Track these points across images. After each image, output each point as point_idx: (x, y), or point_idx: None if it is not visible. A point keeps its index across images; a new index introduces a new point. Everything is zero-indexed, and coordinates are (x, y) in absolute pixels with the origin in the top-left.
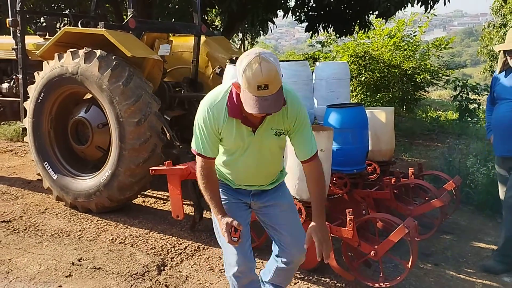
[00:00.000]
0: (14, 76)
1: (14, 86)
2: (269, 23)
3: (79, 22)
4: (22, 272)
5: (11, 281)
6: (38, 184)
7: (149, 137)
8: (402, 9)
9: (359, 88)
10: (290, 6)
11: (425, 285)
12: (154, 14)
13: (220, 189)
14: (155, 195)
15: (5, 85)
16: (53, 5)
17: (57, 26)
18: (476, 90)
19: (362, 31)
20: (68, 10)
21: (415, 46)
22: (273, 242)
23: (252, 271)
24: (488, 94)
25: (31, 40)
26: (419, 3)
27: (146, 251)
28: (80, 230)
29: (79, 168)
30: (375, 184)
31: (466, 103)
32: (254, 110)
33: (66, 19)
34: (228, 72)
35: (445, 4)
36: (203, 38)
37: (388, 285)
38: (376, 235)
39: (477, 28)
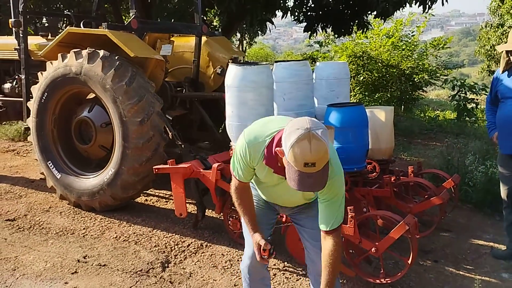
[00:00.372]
0: (16, 77)
1: (16, 86)
2: (267, 23)
3: (82, 22)
4: (29, 269)
5: (18, 278)
6: (41, 183)
7: (152, 136)
8: (400, 9)
9: (358, 88)
10: (289, 6)
11: (425, 282)
12: (154, 15)
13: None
14: (157, 194)
15: (7, 85)
16: (52, 6)
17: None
18: (474, 90)
19: (361, 31)
20: (67, 10)
21: (413, 46)
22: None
23: (264, 267)
24: (488, 94)
25: (33, 41)
26: (417, 3)
27: (150, 249)
28: (84, 228)
29: (82, 167)
30: (375, 182)
31: (464, 102)
32: (297, 187)
33: (65, 19)
34: (229, 72)
35: (443, 4)
36: (204, 38)
37: (388, 281)
38: (376, 232)
39: (474, 28)
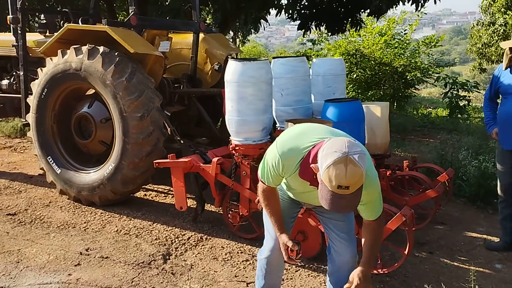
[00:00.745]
0: (14, 73)
1: (14, 82)
2: (261, 21)
3: (80, 19)
4: (32, 262)
5: (21, 270)
6: (40, 179)
7: (151, 131)
8: (393, 7)
9: (351, 85)
10: (283, 4)
11: (421, 272)
12: (148, 12)
13: None
14: (156, 188)
15: (5, 82)
16: (46, 4)
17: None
18: (466, 87)
19: (354, 29)
20: (60, 8)
21: (405, 44)
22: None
23: (282, 262)
24: (487, 90)
25: (31, 37)
26: (410, 1)
27: (151, 242)
28: (85, 222)
29: (82, 162)
30: None
31: (456, 99)
32: (327, 206)
33: (62, 17)
34: (229, 68)
35: (435, 2)
36: (201, 35)
37: (385, 272)
38: None
39: (465, 26)
